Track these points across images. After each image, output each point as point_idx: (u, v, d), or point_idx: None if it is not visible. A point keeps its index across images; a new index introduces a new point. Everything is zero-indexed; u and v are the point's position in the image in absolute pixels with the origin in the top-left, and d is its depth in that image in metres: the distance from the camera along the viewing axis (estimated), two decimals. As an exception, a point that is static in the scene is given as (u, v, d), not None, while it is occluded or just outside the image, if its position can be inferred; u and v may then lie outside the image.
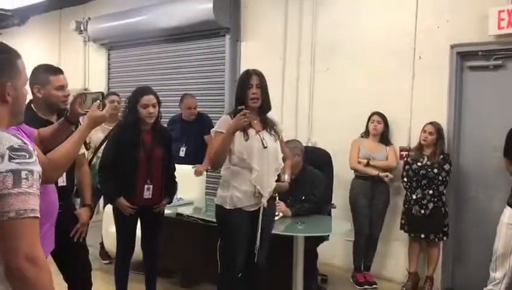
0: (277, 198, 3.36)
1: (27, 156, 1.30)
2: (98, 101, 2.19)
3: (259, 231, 3.06)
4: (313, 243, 3.87)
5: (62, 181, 2.73)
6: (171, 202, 3.67)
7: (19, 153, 1.29)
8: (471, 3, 4.12)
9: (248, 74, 3.08)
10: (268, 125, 3.13)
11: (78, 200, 3.19)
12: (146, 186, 3.37)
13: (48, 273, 1.28)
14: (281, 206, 3.66)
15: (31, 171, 1.29)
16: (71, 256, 2.83)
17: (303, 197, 3.81)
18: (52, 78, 2.72)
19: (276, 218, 3.44)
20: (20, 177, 1.26)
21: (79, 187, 2.98)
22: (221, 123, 3.09)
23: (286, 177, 3.23)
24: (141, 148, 3.35)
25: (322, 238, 4.05)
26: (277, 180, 3.19)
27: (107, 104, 2.20)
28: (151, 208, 3.45)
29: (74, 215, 2.89)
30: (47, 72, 2.74)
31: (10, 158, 1.27)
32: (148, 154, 3.37)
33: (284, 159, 3.24)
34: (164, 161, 3.46)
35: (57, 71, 2.80)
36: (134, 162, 3.32)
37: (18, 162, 1.27)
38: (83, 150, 2.96)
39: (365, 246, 4.46)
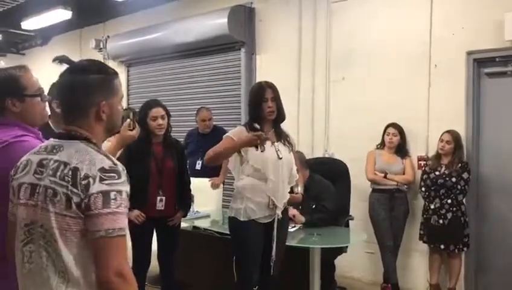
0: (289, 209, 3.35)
1: (116, 177, 1.38)
2: (129, 120, 2.20)
3: (275, 243, 3.04)
4: (330, 255, 3.83)
5: None
6: (186, 215, 3.67)
7: (109, 175, 1.37)
8: (486, 9, 4.07)
9: (261, 87, 3.08)
10: (282, 136, 3.13)
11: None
12: (158, 197, 3.41)
13: (134, 286, 1.41)
14: (293, 212, 3.63)
15: (120, 192, 1.37)
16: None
17: (313, 206, 3.79)
18: None
19: (291, 229, 3.42)
20: (109, 198, 1.35)
21: None
22: (236, 131, 3.10)
23: (299, 189, 3.22)
24: (152, 160, 3.41)
25: (340, 250, 4.00)
26: (290, 192, 3.18)
27: (137, 125, 2.25)
28: (166, 220, 3.47)
29: None
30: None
31: (101, 180, 1.36)
32: (159, 165, 3.42)
33: (298, 171, 3.23)
34: (176, 173, 3.50)
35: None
36: (145, 173, 3.37)
37: (108, 183, 1.36)
38: None
39: (393, 259, 4.36)
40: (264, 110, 3.02)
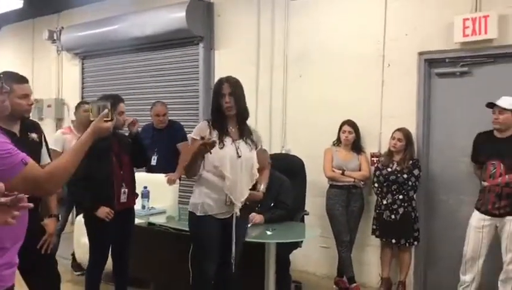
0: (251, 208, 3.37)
1: None
2: (107, 110, 2.10)
3: (234, 240, 3.05)
4: (285, 250, 3.87)
5: None
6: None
7: None
8: (438, 11, 4.21)
9: (220, 82, 3.06)
10: (245, 134, 3.11)
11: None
12: (122, 190, 3.45)
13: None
14: (254, 217, 3.66)
15: None
16: (39, 268, 2.78)
17: (272, 204, 3.82)
18: (16, 87, 2.67)
19: (248, 225, 3.44)
20: None
21: (44, 197, 2.93)
22: (197, 130, 3.09)
23: (262, 187, 3.24)
24: (112, 155, 3.41)
25: (295, 245, 4.06)
26: (252, 189, 3.19)
27: (115, 116, 2.15)
28: (126, 213, 3.48)
29: (41, 227, 2.85)
30: (11, 80, 2.70)
31: None
32: (118, 159, 3.44)
33: (262, 169, 3.24)
34: (131, 165, 3.57)
35: (22, 79, 2.76)
36: (109, 169, 3.37)
37: None
38: (47, 159, 2.93)
39: (349, 253, 4.44)
40: (223, 106, 3.01)
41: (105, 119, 2.09)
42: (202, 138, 2.91)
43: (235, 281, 3.18)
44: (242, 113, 3.09)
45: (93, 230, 3.46)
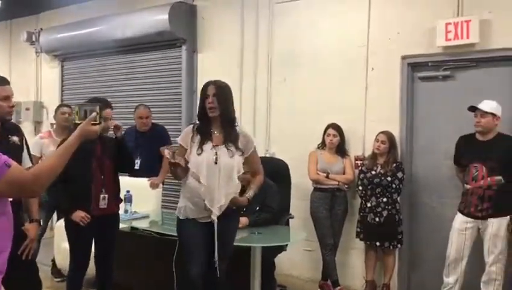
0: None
1: None
2: (95, 113, 2.07)
3: (216, 244, 3.02)
4: (270, 253, 3.85)
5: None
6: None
7: None
8: (420, 15, 4.26)
9: (206, 84, 3.07)
10: (229, 139, 3.04)
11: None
12: (102, 195, 3.36)
13: None
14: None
15: None
16: (20, 274, 2.70)
17: (257, 208, 3.80)
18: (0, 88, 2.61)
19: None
20: None
21: (25, 202, 2.86)
22: (182, 135, 3.10)
23: (250, 193, 3.14)
24: (93, 159, 3.33)
25: (280, 249, 4.04)
26: (241, 194, 3.14)
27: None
28: (107, 219, 3.39)
29: (22, 232, 2.77)
30: None
31: None
32: (100, 164, 3.36)
33: (254, 174, 3.20)
34: (114, 170, 3.47)
35: (3, 81, 2.72)
36: (88, 173, 3.30)
37: None
38: (28, 163, 2.86)
39: (333, 256, 4.44)
40: (207, 106, 3.00)
41: (92, 122, 2.06)
42: (173, 153, 2.92)
43: (221, 285, 3.15)
44: (226, 115, 3.03)
45: (72, 234, 3.39)
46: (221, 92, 3.01)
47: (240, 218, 3.65)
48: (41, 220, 3.69)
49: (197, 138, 3.02)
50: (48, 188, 3.31)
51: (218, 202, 2.99)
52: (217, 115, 3.00)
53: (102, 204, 3.36)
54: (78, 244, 3.38)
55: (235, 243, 3.26)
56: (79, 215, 3.26)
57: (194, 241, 3.03)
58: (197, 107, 3.16)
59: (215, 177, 2.97)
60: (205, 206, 2.99)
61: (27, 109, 7.28)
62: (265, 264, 3.69)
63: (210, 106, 2.98)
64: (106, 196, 3.37)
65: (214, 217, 2.99)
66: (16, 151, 2.76)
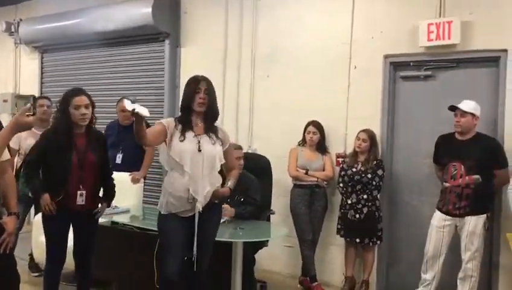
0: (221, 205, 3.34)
1: None
2: (29, 104, 2.04)
3: (196, 237, 3.02)
4: (251, 249, 3.86)
5: None
6: (109, 206, 3.55)
7: None
8: (403, 15, 4.31)
9: (196, 79, 3.09)
10: (210, 130, 3.10)
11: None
12: (79, 192, 3.23)
13: None
14: (226, 209, 3.63)
15: None
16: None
17: (242, 199, 3.82)
18: None
19: (221, 221, 3.38)
20: None
21: (3, 195, 2.81)
22: (167, 120, 3.13)
23: (230, 183, 3.19)
24: (73, 152, 3.21)
25: (262, 244, 4.06)
26: (222, 185, 3.16)
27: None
28: (85, 215, 3.31)
29: (1, 225, 2.72)
30: None
31: None
32: (80, 158, 3.23)
33: (231, 169, 3.24)
34: (98, 166, 3.33)
35: None
36: (66, 167, 3.18)
37: None
38: (7, 156, 2.80)
39: (312, 252, 4.48)
40: (195, 101, 3.02)
41: (27, 113, 2.02)
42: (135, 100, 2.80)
43: (201, 281, 3.15)
44: (212, 112, 3.11)
45: (47, 227, 3.31)
46: (212, 89, 3.10)
47: (226, 207, 3.64)
48: (19, 214, 3.63)
49: (179, 127, 3.04)
50: (24, 167, 3.32)
51: (203, 190, 3.00)
52: (203, 110, 3.07)
53: (80, 201, 3.23)
54: (53, 238, 3.31)
55: (216, 239, 3.26)
56: (46, 200, 3.15)
57: (174, 237, 3.02)
58: (182, 98, 3.14)
59: (199, 165, 2.99)
60: (188, 199, 2.99)
61: (5, 101, 7.12)
62: (246, 259, 3.69)
63: (202, 101, 3.03)
64: (84, 192, 3.24)
65: (199, 206, 2.99)
66: None
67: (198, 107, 3.04)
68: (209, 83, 3.08)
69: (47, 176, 3.23)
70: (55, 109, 3.38)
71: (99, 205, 3.38)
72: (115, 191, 3.51)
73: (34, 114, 2.07)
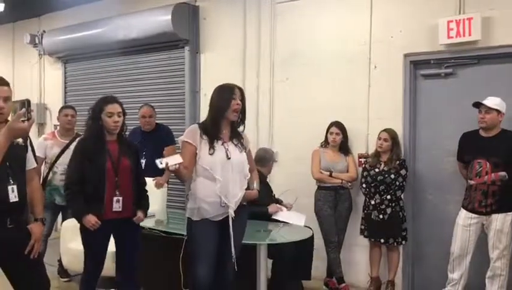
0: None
1: None
2: (24, 109, 1.95)
3: (232, 242, 3.02)
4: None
5: (14, 197, 2.60)
6: (146, 215, 3.48)
7: None
8: (422, 13, 4.28)
9: (230, 87, 3.11)
10: (235, 136, 3.14)
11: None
12: (115, 198, 3.22)
13: None
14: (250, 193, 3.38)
15: None
16: (27, 273, 2.73)
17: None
18: None
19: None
20: None
21: (30, 202, 2.86)
22: (189, 133, 3.09)
23: (255, 185, 3.24)
24: (107, 158, 3.22)
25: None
26: (247, 189, 3.18)
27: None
28: (124, 222, 3.28)
29: (27, 232, 2.78)
30: None
31: None
32: (115, 164, 3.23)
33: (250, 171, 3.25)
34: (132, 171, 3.33)
35: None
36: (101, 173, 3.18)
37: None
38: (33, 164, 2.86)
39: (338, 254, 4.47)
40: (231, 108, 3.03)
41: (22, 119, 1.96)
42: (166, 164, 2.82)
43: (230, 285, 3.16)
44: (242, 119, 3.16)
45: (85, 237, 3.28)
46: (244, 96, 3.13)
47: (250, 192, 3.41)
48: (46, 220, 3.68)
49: (206, 137, 3.05)
50: (64, 191, 3.34)
51: (233, 197, 3.03)
52: (235, 118, 3.10)
53: (117, 207, 3.22)
54: (91, 248, 3.30)
55: (243, 242, 3.27)
56: (89, 221, 3.14)
57: (209, 242, 3.04)
58: (215, 106, 3.09)
59: (229, 172, 3.02)
60: (221, 203, 3.00)
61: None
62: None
63: (238, 107, 3.05)
64: (120, 198, 3.22)
65: (231, 211, 3.01)
66: (20, 152, 2.68)
67: (233, 115, 3.06)
68: (241, 90, 3.11)
69: (86, 185, 3.20)
70: (86, 117, 3.40)
71: (137, 215, 3.33)
72: (148, 201, 3.48)
73: (29, 119, 2.00)
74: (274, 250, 3.74)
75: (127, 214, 3.29)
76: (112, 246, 3.38)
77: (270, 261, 3.91)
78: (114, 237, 3.37)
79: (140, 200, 3.39)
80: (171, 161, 2.81)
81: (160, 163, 2.79)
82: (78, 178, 3.22)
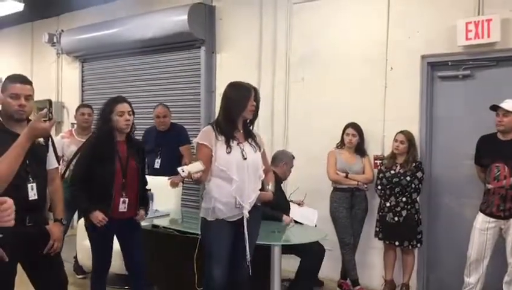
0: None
1: None
2: (45, 109, 2.02)
3: (247, 243, 3.03)
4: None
5: (34, 195, 2.63)
6: (147, 214, 3.59)
7: None
8: (440, 15, 4.24)
9: (247, 87, 3.11)
10: (250, 136, 3.15)
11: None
12: (122, 199, 3.27)
13: None
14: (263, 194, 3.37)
15: None
16: (46, 271, 2.76)
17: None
18: (10, 86, 2.57)
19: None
20: None
21: (51, 202, 2.89)
22: (203, 134, 3.08)
23: (270, 187, 3.23)
24: (117, 160, 3.27)
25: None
26: (261, 190, 3.18)
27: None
28: (127, 222, 3.34)
29: (46, 230, 2.81)
30: (9, 80, 2.63)
31: None
32: (123, 166, 3.28)
33: (266, 172, 3.25)
34: (138, 173, 3.38)
35: (15, 79, 2.61)
36: (110, 174, 3.23)
37: None
38: (55, 164, 2.89)
39: (353, 256, 4.45)
40: (248, 108, 3.05)
41: (43, 119, 2.01)
42: (189, 173, 2.83)
43: (245, 285, 3.17)
44: (254, 119, 3.18)
45: (92, 235, 3.36)
46: (259, 98, 3.16)
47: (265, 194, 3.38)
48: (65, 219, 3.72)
49: (221, 137, 3.04)
50: (70, 188, 3.39)
51: (248, 198, 3.03)
52: (249, 118, 3.12)
53: (122, 208, 3.27)
54: (98, 246, 3.36)
55: (257, 242, 3.27)
56: (97, 217, 3.19)
57: (224, 243, 3.04)
58: (232, 106, 3.07)
59: (245, 172, 3.02)
60: (236, 204, 3.01)
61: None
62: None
63: (253, 108, 3.08)
64: (126, 199, 3.27)
65: (246, 212, 3.01)
66: (41, 152, 2.71)
67: (250, 114, 3.08)
68: (256, 90, 3.13)
69: (93, 183, 3.25)
70: (97, 117, 3.47)
71: (139, 213, 3.39)
72: (148, 200, 3.55)
73: (50, 119, 2.05)
74: (301, 247, 3.77)
75: (130, 214, 3.35)
76: (116, 245, 3.42)
77: (290, 261, 3.90)
78: (117, 237, 3.41)
79: (143, 199, 3.46)
80: (192, 168, 2.82)
81: (182, 171, 2.80)
82: (85, 176, 3.28)
